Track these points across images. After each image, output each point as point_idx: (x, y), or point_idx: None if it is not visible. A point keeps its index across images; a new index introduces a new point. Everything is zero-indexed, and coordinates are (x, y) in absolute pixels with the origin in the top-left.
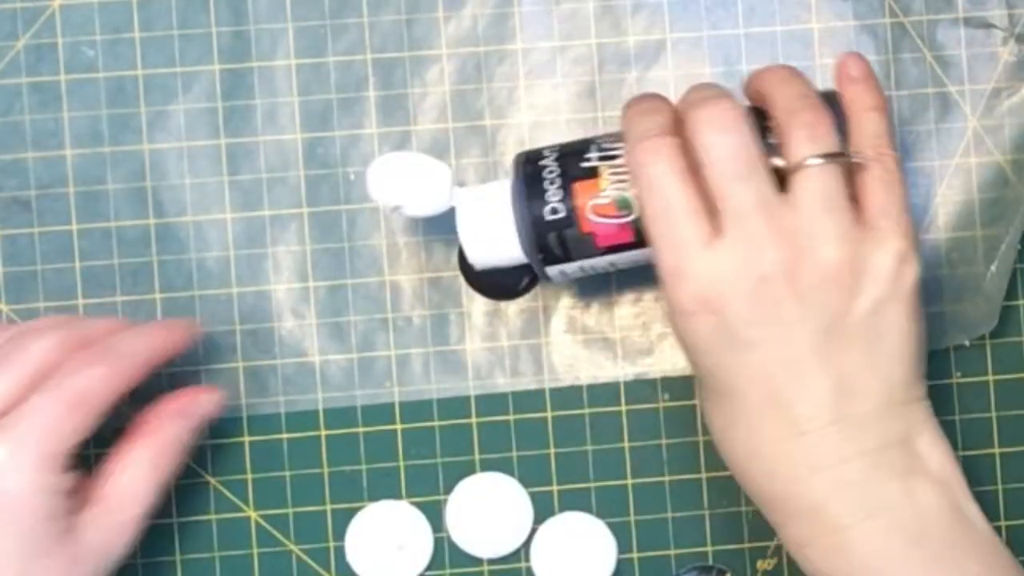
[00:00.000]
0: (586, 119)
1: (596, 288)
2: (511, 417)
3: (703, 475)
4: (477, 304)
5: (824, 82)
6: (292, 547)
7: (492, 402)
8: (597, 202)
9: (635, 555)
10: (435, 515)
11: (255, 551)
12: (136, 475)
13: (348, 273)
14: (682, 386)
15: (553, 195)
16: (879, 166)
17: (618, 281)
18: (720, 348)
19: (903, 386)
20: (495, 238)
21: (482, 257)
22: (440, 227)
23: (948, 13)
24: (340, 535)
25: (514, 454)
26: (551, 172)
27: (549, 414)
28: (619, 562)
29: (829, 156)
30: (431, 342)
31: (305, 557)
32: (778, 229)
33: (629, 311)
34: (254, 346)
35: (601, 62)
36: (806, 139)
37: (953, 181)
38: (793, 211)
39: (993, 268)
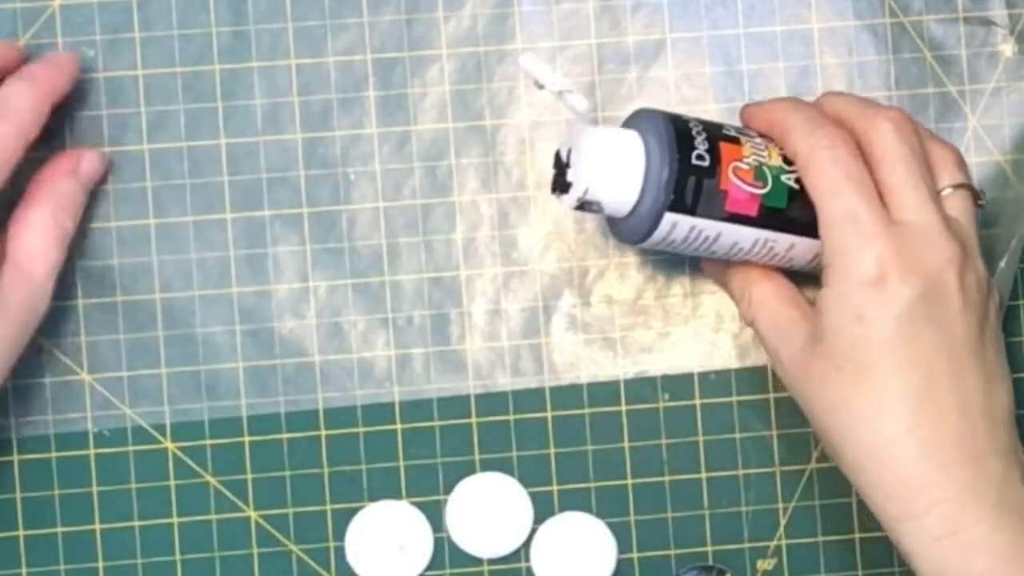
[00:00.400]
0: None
1: (596, 288)
2: (511, 417)
3: (703, 475)
4: (478, 303)
5: (824, 82)
6: (292, 547)
7: (492, 402)
8: (739, 165)
9: (635, 555)
10: (435, 515)
11: (255, 551)
12: (39, 234)
13: (348, 273)
14: (682, 385)
15: (701, 144)
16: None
17: (618, 280)
18: (891, 321)
19: (1012, 403)
20: (621, 179)
21: (601, 193)
22: (440, 227)
23: (948, 12)
24: (340, 535)
25: (514, 454)
26: (697, 128)
27: (549, 414)
28: (619, 562)
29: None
30: (431, 342)
31: (305, 557)
32: (950, 229)
33: (629, 310)
34: (254, 346)
35: (601, 61)
36: (953, 167)
37: None
38: (952, 220)
39: (1003, 264)
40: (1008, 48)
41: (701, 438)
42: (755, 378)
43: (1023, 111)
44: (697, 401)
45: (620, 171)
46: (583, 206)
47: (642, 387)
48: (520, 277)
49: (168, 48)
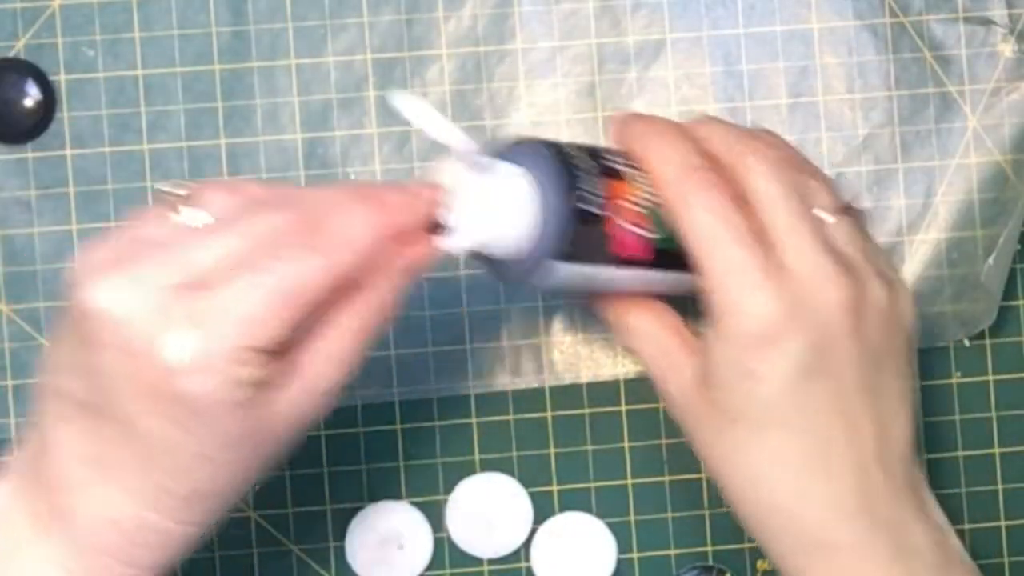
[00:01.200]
0: (586, 118)
1: None
2: (511, 417)
3: (703, 475)
4: (478, 303)
5: (824, 82)
6: (292, 547)
7: (492, 402)
8: (626, 206)
9: (635, 555)
10: (435, 515)
11: (255, 551)
12: (339, 340)
13: None
14: None
15: (586, 184)
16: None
17: None
18: (781, 378)
19: (914, 431)
20: (501, 223)
21: (477, 238)
22: None
23: (948, 11)
24: (340, 535)
25: (514, 454)
26: (584, 164)
27: (549, 414)
28: (619, 562)
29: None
30: (432, 342)
31: (305, 557)
32: (837, 265)
33: None
34: None
35: (601, 61)
36: (831, 192)
37: (953, 180)
38: (841, 253)
39: (991, 260)
40: (1008, 48)
41: None
42: None
43: (1023, 111)
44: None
45: (509, 222)
46: (472, 252)
47: (642, 387)
48: None
49: (168, 48)
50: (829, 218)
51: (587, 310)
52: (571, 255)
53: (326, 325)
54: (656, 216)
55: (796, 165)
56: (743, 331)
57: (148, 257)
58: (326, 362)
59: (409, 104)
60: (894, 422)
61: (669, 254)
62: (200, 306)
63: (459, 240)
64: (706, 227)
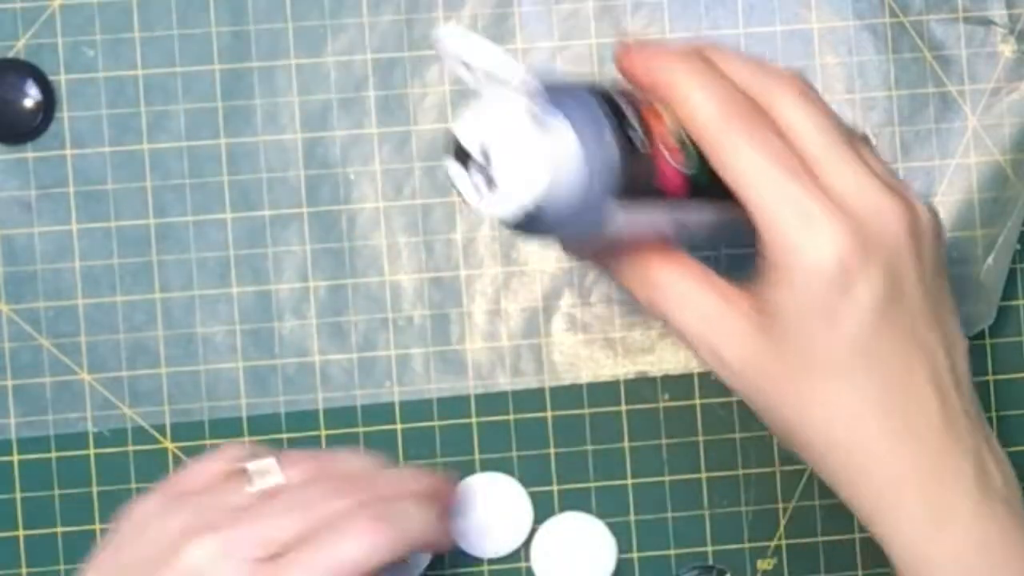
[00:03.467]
0: None
1: (596, 288)
2: (511, 417)
3: (703, 475)
4: (478, 303)
5: (824, 82)
6: None
7: (492, 402)
8: (668, 139)
9: (635, 555)
10: None
11: None
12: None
13: (348, 273)
14: (682, 385)
15: (630, 117)
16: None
17: None
18: (863, 318)
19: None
20: (551, 174)
21: (526, 198)
22: (440, 227)
23: (948, 11)
24: None
25: (514, 454)
26: (619, 96)
27: (549, 414)
28: (619, 562)
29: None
30: (432, 342)
31: None
32: (891, 190)
33: (630, 310)
34: (254, 346)
35: (601, 61)
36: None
37: (953, 180)
38: (884, 177)
39: (990, 260)
40: (1007, 48)
41: (701, 438)
42: None
43: (1022, 111)
44: (697, 401)
45: (561, 172)
46: (520, 222)
47: (642, 387)
48: (520, 277)
49: (168, 48)
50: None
51: (608, 275)
52: (624, 192)
53: (338, 534)
54: (689, 149)
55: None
56: (815, 272)
57: (235, 527)
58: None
59: (458, 39)
60: (957, 344)
61: (701, 188)
62: (219, 526)
63: (509, 202)
64: (758, 166)
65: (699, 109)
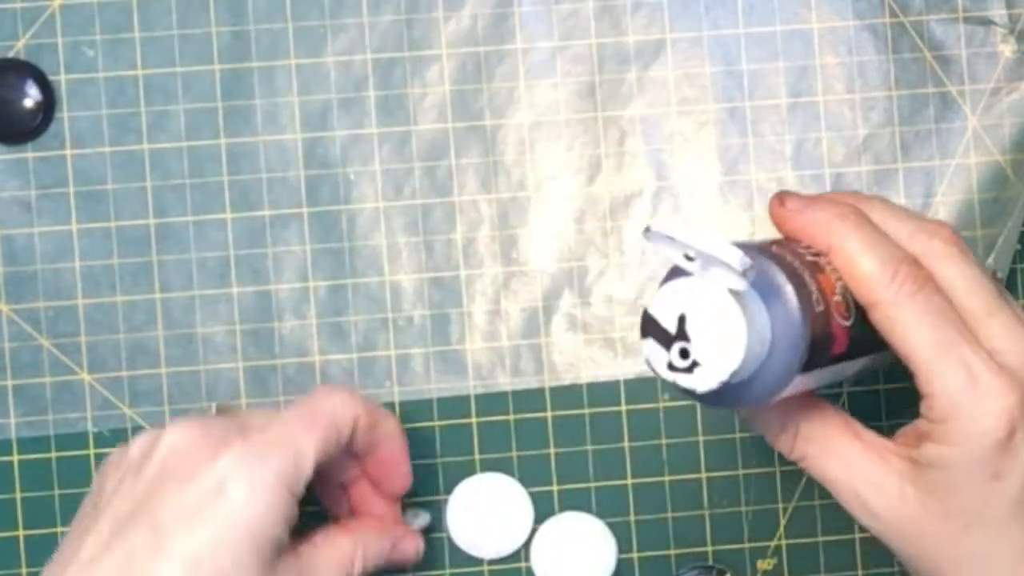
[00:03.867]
0: (586, 118)
1: (596, 287)
2: (511, 417)
3: (703, 475)
4: (478, 303)
5: (824, 82)
6: None
7: (492, 402)
8: (836, 299)
9: (635, 555)
10: (435, 515)
11: None
12: (335, 558)
13: (348, 273)
14: None
15: (812, 285)
16: None
17: (619, 280)
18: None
19: None
20: (746, 349)
21: (722, 372)
22: (440, 227)
23: (948, 11)
24: None
25: (514, 454)
26: (795, 264)
27: (549, 414)
28: (619, 562)
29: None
30: (432, 342)
31: None
32: None
33: (630, 309)
34: (254, 346)
35: (601, 61)
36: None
37: (953, 180)
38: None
39: (991, 260)
40: (1007, 48)
41: (701, 438)
42: None
43: (1023, 111)
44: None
45: (753, 347)
46: (715, 392)
47: (642, 387)
48: (520, 277)
49: (168, 48)
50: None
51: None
52: (808, 364)
53: (327, 537)
54: (850, 303)
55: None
56: (982, 432)
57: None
58: (320, 564)
59: (669, 236)
60: None
61: (858, 342)
62: (253, 437)
63: (709, 378)
64: (925, 329)
65: (866, 270)
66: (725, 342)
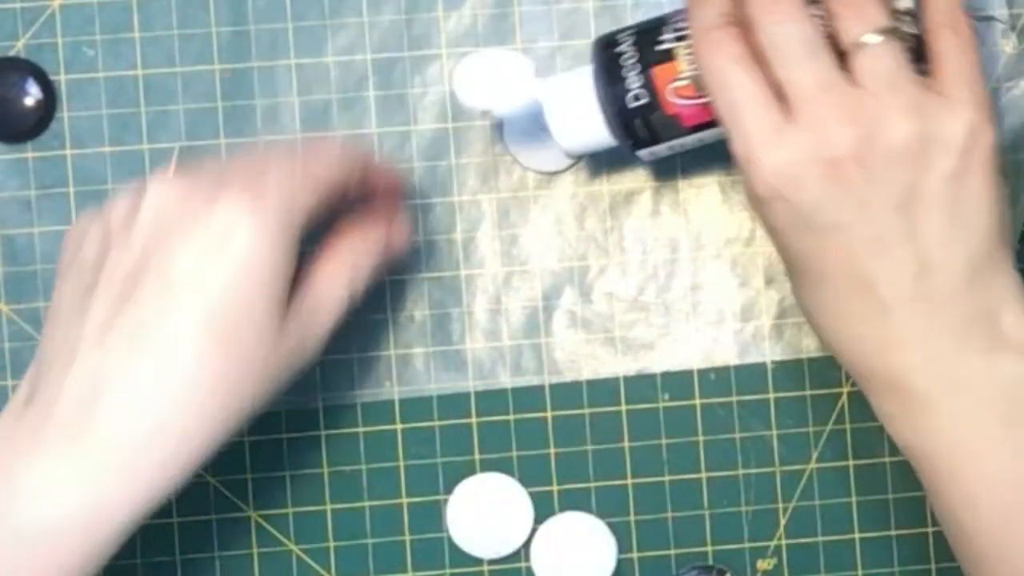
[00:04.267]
0: None
1: (597, 285)
2: (511, 417)
3: (703, 475)
4: (479, 302)
5: None
6: (292, 547)
7: (492, 401)
8: (677, 85)
9: (635, 555)
10: (435, 515)
11: (255, 551)
12: (332, 288)
13: None
14: (683, 384)
15: (633, 81)
16: (949, 32)
17: (619, 278)
18: (800, 232)
19: (985, 257)
20: (584, 126)
21: (574, 144)
22: (441, 226)
23: None
24: (340, 535)
25: (514, 454)
26: (629, 58)
27: (549, 414)
28: (619, 562)
29: (882, 32)
30: (432, 341)
31: (305, 557)
32: (843, 110)
33: (630, 307)
34: None
35: None
36: (854, 19)
37: None
38: (857, 91)
39: None
40: (1008, 45)
41: (701, 438)
42: (755, 377)
43: (1023, 109)
44: (697, 401)
45: (586, 125)
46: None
47: (642, 386)
48: (521, 275)
49: (168, 48)
50: (871, 39)
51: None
52: (647, 140)
53: (320, 274)
54: (699, 80)
55: None
56: (748, 193)
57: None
58: (319, 303)
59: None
60: (935, 255)
61: None
62: (251, 183)
63: (564, 149)
64: (712, 91)
65: (692, 31)
66: (561, 120)
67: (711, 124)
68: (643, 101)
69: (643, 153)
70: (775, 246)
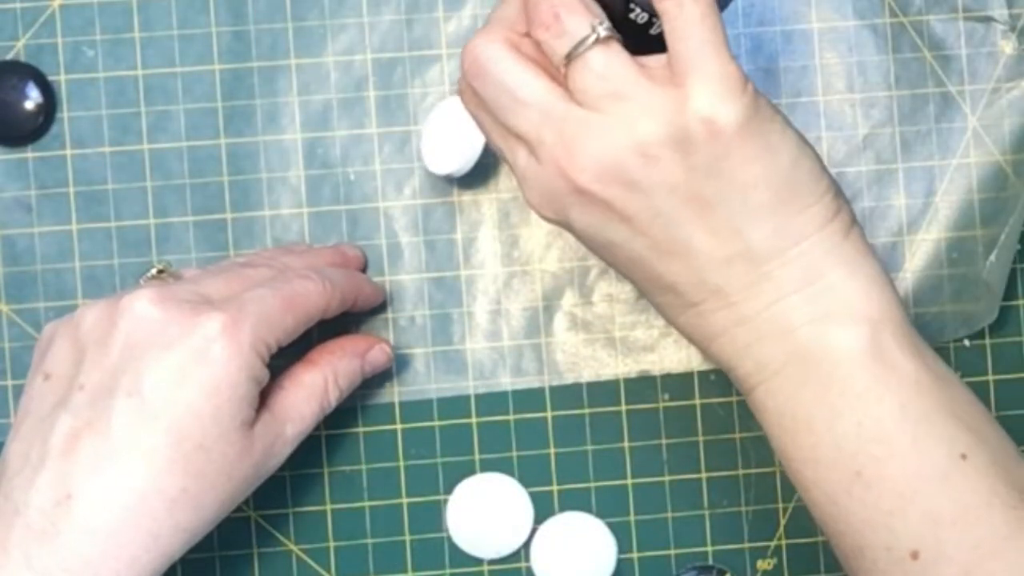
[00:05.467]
0: None
1: (598, 287)
2: (511, 417)
3: (703, 475)
4: (479, 303)
5: (824, 81)
6: (292, 547)
7: (492, 402)
8: None
9: (635, 555)
10: (435, 515)
11: (255, 551)
12: (305, 396)
13: None
14: (683, 385)
15: None
16: (672, 6)
17: (620, 279)
18: (594, 248)
19: (778, 234)
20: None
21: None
22: (441, 227)
23: (948, 10)
24: (340, 535)
25: (514, 454)
26: None
27: (549, 414)
28: (619, 562)
29: (582, 43)
30: (433, 342)
31: (305, 557)
32: (575, 141)
33: (631, 308)
34: None
35: None
36: (553, 40)
37: (953, 179)
38: (579, 114)
39: (992, 258)
40: (1008, 46)
41: (701, 438)
42: None
43: (1023, 110)
44: (697, 401)
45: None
46: None
47: (642, 387)
48: (521, 277)
49: (168, 48)
50: (576, 52)
51: None
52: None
53: (294, 381)
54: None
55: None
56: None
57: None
58: (290, 410)
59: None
60: (722, 246)
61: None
62: (230, 307)
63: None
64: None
65: None
66: None
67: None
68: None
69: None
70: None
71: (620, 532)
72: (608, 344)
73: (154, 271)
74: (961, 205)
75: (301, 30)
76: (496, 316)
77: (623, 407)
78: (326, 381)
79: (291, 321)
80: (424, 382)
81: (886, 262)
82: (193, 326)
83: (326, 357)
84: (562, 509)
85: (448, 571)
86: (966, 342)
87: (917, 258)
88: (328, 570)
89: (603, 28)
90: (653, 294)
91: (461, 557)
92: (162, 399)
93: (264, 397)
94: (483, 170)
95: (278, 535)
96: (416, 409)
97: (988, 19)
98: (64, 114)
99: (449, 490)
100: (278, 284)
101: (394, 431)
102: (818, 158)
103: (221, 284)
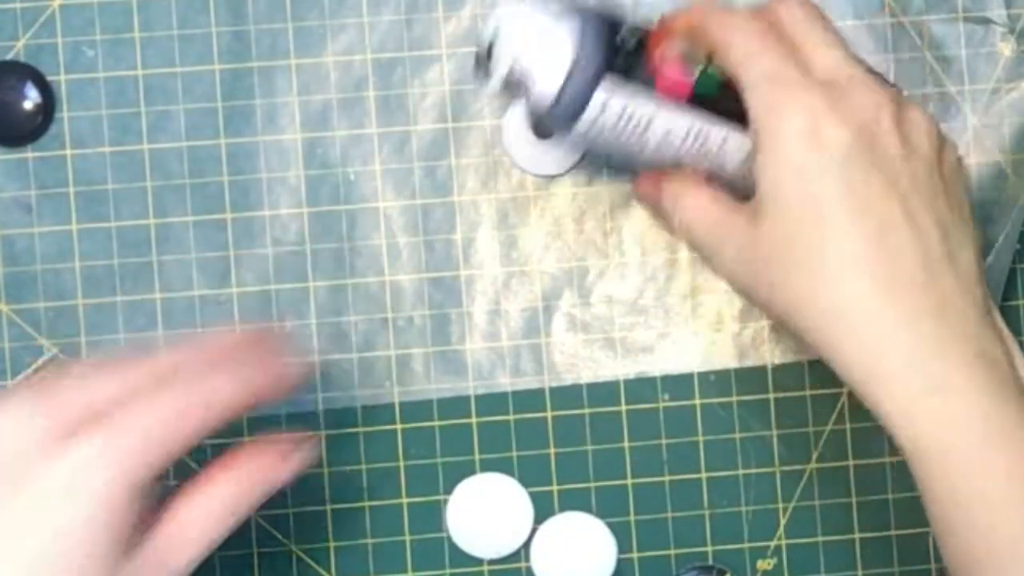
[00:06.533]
0: None
1: (596, 287)
2: (511, 417)
3: (703, 475)
4: (478, 304)
5: None
6: (292, 547)
7: (492, 402)
8: (668, 50)
9: (635, 555)
10: (435, 515)
11: (255, 551)
12: (189, 529)
13: (348, 273)
14: (682, 385)
15: (628, 29)
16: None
17: (619, 280)
18: (834, 168)
19: (979, 265)
20: (550, 53)
21: (531, 64)
22: (440, 227)
23: (947, 11)
24: (340, 535)
25: (514, 454)
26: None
27: (549, 414)
28: (619, 562)
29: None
30: (432, 342)
31: (305, 557)
32: (876, 80)
33: (630, 310)
34: None
35: None
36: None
37: None
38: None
39: (991, 259)
40: (1007, 47)
41: (701, 438)
42: (755, 378)
43: (1022, 110)
44: (697, 401)
45: (548, 46)
46: (509, 86)
47: (642, 387)
48: (520, 277)
49: (168, 49)
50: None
51: (642, 199)
52: (612, 84)
53: (185, 504)
54: (692, 59)
55: None
56: (786, 130)
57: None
58: (174, 540)
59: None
60: (959, 240)
61: (706, 101)
62: (109, 425)
63: (501, 70)
64: (745, 44)
65: (707, 26)
66: (514, 42)
67: (677, 106)
68: (633, 42)
69: (596, 100)
70: (777, 206)
71: (620, 532)
72: (607, 345)
73: (41, 361)
74: None
75: (301, 30)
76: (495, 317)
77: (623, 407)
78: (227, 501)
79: (188, 433)
80: (423, 383)
81: None
82: (64, 454)
83: (222, 476)
84: (562, 509)
85: (448, 571)
86: None
87: None
88: (328, 570)
89: None
90: (866, 257)
91: (461, 557)
92: (23, 531)
93: (150, 520)
94: (482, 171)
95: (278, 535)
96: (416, 409)
97: (987, 21)
98: (64, 114)
99: (449, 490)
100: (176, 391)
101: (394, 431)
102: None
103: (112, 387)
